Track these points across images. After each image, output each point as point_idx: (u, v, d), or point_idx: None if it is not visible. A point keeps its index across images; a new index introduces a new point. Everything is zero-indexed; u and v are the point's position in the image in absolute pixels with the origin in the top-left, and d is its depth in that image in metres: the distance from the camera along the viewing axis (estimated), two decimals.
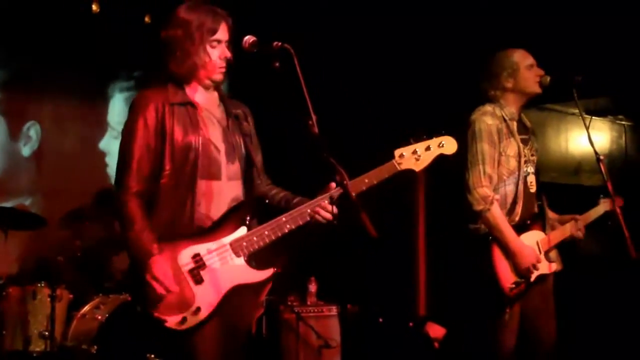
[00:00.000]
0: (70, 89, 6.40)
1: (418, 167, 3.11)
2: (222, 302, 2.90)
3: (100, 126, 6.72)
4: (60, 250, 5.43)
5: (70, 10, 6.04)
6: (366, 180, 3.00)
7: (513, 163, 3.81)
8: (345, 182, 2.73)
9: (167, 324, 2.82)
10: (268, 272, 2.98)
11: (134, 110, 3.00)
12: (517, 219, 3.79)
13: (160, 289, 2.81)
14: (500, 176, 3.80)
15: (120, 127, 6.46)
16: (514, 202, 3.80)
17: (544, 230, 3.86)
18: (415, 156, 3.10)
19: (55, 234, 5.68)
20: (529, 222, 3.81)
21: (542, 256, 3.79)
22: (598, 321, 5.51)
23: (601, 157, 3.71)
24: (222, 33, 3.04)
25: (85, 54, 6.28)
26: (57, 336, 5.04)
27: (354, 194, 2.81)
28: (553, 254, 3.91)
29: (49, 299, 5.05)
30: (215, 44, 3.03)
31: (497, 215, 3.69)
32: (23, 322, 5.09)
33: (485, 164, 3.74)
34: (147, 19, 6.37)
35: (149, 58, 6.23)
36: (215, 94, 3.16)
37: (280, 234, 2.96)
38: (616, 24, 5.37)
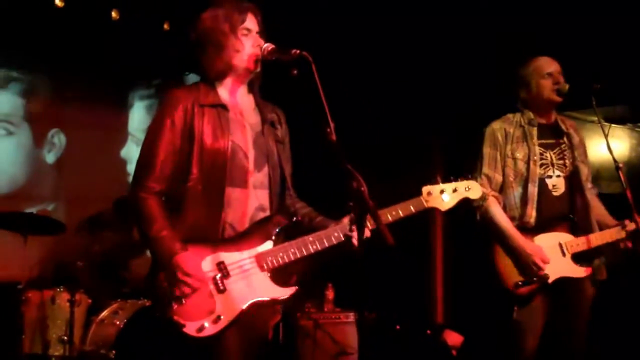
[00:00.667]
0: (91, 97, 6.47)
1: (444, 207, 3.16)
2: (242, 314, 2.86)
3: (121, 134, 6.80)
4: (79, 255, 5.47)
5: (90, 18, 6.10)
6: (393, 213, 3.03)
7: (521, 165, 3.87)
8: (362, 188, 2.72)
9: (185, 329, 2.78)
10: (290, 291, 2.95)
11: (162, 109, 2.97)
12: (531, 220, 3.80)
13: (193, 283, 2.77)
14: (506, 177, 3.89)
15: (140, 135, 6.67)
16: (524, 204, 3.82)
17: (573, 232, 3.83)
18: (442, 196, 3.14)
19: (75, 239, 5.72)
20: (548, 224, 3.80)
21: (567, 258, 3.76)
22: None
23: (620, 165, 3.70)
24: (251, 22, 3.04)
25: (106, 61, 6.35)
26: (75, 341, 5.07)
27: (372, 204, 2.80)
28: (596, 261, 3.87)
29: (68, 304, 5.08)
30: (245, 32, 3.01)
31: (494, 210, 3.79)
32: (42, 326, 5.15)
33: (483, 165, 3.90)
34: (166, 26, 6.40)
35: (169, 65, 6.41)
36: (251, 96, 3.14)
37: (305, 254, 2.96)
38: (635, 33, 5.36)
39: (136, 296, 5.32)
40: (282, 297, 2.94)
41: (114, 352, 4.89)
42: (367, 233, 2.86)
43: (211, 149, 2.91)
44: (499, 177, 3.89)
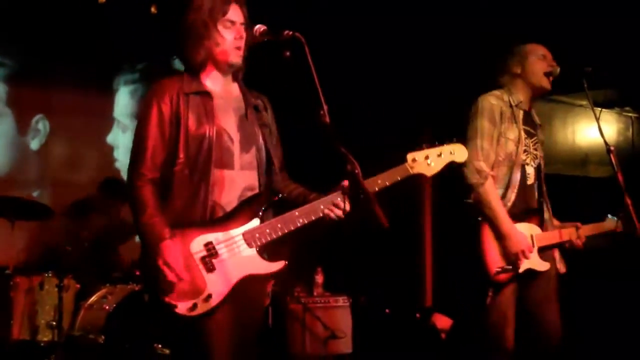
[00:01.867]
0: (77, 82, 6.41)
1: (429, 172, 3.12)
2: (233, 291, 2.90)
3: (107, 119, 6.74)
4: (67, 240, 5.44)
5: (76, 1, 6.03)
6: (379, 181, 3.01)
7: (511, 146, 3.80)
8: (356, 171, 2.72)
9: (178, 310, 2.82)
10: (279, 264, 2.98)
11: (149, 99, 3.01)
12: (509, 204, 3.77)
13: (171, 276, 2.81)
14: (496, 157, 3.79)
15: (125, 120, 6.63)
16: (507, 186, 3.79)
17: (541, 226, 3.85)
18: (427, 161, 3.11)
19: (62, 224, 5.69)
20: (524, 214, 3.79)
21: (535, 251, 3.76)
22: (602, 320, 5.51)
23: (611, 148, 3.69)
24: (235, 14, 3.03)
25: (91, 45, 6.29)
26: (64, 326, 5.05)
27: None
28: (552, 255, 3.89)
29: (56, 289, 5.07)
30: (228, 24, 3.02)
31: (491, 191, 3.70)
32: (30, 312, 5.13)
33: (483, 139, 3.76)
34: (153, 10, 6.34)
35: (155, 49, 6.35)
36: (235, 84, 3.16)
37: (292, 228, 2.97)
38: (624, 16, 5.37)
39: (125, 281, 5.30)
40: (272, 271, 2.97)
41: (103, 337, 4.87)
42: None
43: (196, 134, 2.96)
44: (492, 155, 3.77)
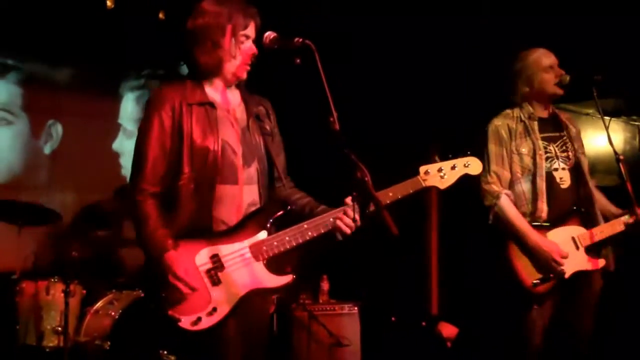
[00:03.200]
0: (84, 88, 6.45)
1: (443, 185, 3.10)
2: (238, 305, 2.85)
3: (113, 126, 6.75)
4: (74, 246, 5.43)
5: (85, 6, 6.03)
6: (390, 194, 2.97)
7: (527, 160, 3.84)
8: (366, 178, 2.70)
9: (181, 324, 2.78)
10: (287, 279, 2.93)
11: (150, 109, 2.95)
12: (543, 215, 3.79)
13: (185, 289, 2.78)
14: (514, 174, 3.85)
15: (130, 126, 6.63)
16: (534, 199, 3.80)
17: (584, 225, 3.82)
18: (441, 174, 3.08)
19: (70, 229, 5.69)
20: (559, 219, 3.79)
21: (581, 252, 3.76)
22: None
23: (621, 157, 3.69)
24: (252, 30, 3.01)
25: (100, 51, 6.30)
26: (70, 332, 5.02)
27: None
28: (604, 251, 3.87)
29: (62, 295, 5.04)
30: (244, 39, 2.99)
31: (507, 209, 3.74)
32: (36, 317, 5.11)
33: (491, 162, 3.85)
34: (161, 16, 6.34)
35: (162, 56, 6.36)
36: (237, 92, 3.12)
37: (301, 241, 2.93)
38: (632, 25, 5.36)
39: (131, 287, 5.29)
40: (278, 285, 2.92)
41: (108, 343, 4.86)
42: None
43: (201, 148, 2.90)
44: (507, 174, 3.85)
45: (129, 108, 6.82)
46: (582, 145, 4.04)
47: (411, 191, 3.03)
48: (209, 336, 2.81)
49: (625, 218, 3.83)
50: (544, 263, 3.68)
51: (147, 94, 6.70)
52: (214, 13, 2.96)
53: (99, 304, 5.16)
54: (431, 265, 6.94)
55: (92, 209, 5.71)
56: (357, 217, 2.91)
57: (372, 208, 2.78)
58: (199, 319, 2.79)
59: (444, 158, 3.13)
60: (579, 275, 3.75)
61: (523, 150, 3.85)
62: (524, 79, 3.93)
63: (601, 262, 3.79)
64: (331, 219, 2.94)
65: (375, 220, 2.63)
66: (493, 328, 4.14)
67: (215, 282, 2.85)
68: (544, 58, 3.92)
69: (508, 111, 3.95)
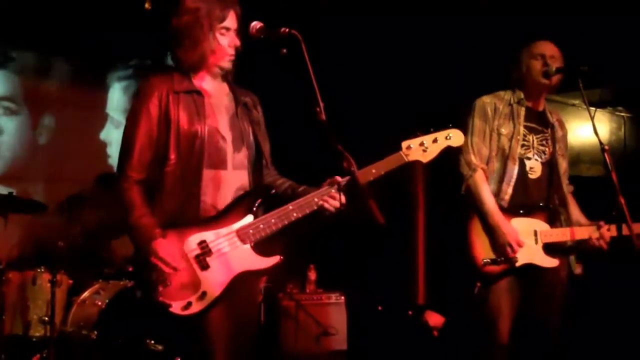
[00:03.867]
0: (70, 77, 6.42)
1: (425, 158, 3.12)
2: (228, 288, 2.89)
3: (101, 115, 6.73)
4: (60, 235, 5.41)
5: None
6: (373, 171, 3.00)
7: (504, 142, 3.89)
8: (352, 168, 2.72)
9: (172, 309, 2.82)
10: (274, 259, 2.97)
11: (137, 98, 3.00)
12: (506, 197, 3.83)
13: (167, 269, 2.81)
14: (490, 152, 3.90)
15: (118, 116, 6.61)
16: (501, 180, 3.86)
17: (550, 222, 3.86)
18: (423, 148, 3.10)
19: (56, 219, 5.67)
20: (526, 209, 3.82)
21: (538, 246, 3.79)
22: (598, 319, 5.52)
23: (606, 147, 3.70)
24: (231, 21, 3.04)
25: (86, 41, 6.26)
26: (56, 321, 5.01)
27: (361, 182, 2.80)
28: (565, 254, 3.90)
29: (49, 284, 5.02)
30: (224, 31, 3.03)
31: (479, 183, 3.81)
32: (23, 307, 5.09)
33: (473, 134, 3.91)
34: (147, 5, 6.31)
35: (148, 46, 6.34)
36: (224, 83, 3.16)
37: (287, 222, 2.96)
38: (616, 15, 5.39)
39: (117, 277, 5.29)
40: (267, 267, 2.96)
41: (95, 332, 4.84)
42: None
43: (187, 134, 2.94)
44: (486, 150, 3.90)
45: (117, 98, 6.80)
46: (565, 148, 4.08)
47: (394, 166, 3.06)
48: (199, 322, 2.85)
49: (595, 228, 3.85)
50: (500, 245, 3.71)
51: (135, 84, 6.71)
52: (192, 9, 3.00)
53: (86, 293, 5.14)
54: (417, 255, 6.97)
55: (77, 198, 5.68)
56: (342, 198, 2.93)
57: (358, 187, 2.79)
58: (189, 303, 2.83)
59: (425, 132, 3.14)
60: (537, 270, 3.77)
61: (503, 131, 3.90)
62: (515, 64, 4.01)
63: (555, 262, 3.80)
64: (315, 199, 2.97)
65: (362, 209, 2.65)
66: (466, 315, 4.16)
67: (204, 267, 2.89)
68: (538, 46, 3.97)
69: (500, 92, 4.02)
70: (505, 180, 3.85)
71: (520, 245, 3.72)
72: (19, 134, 6.32)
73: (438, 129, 3.16)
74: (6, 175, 6.15)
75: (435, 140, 3.13)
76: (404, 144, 3.10)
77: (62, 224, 5.62)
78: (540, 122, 4.00)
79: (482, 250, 3.74)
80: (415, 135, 3.12)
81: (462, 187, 3.88)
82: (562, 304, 3.87)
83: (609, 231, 3.83)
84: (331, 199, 2.96)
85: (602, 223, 3.86)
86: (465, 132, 3.81)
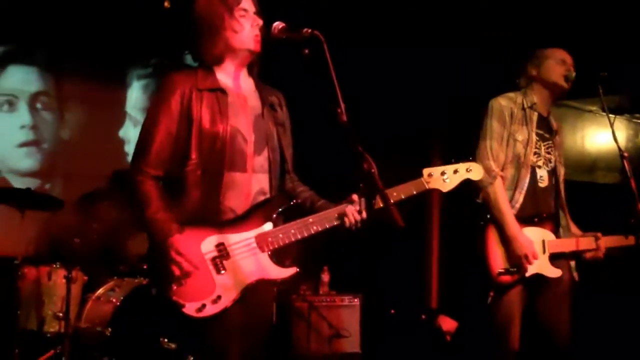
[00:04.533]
0: (92, 75, 6.45)
1: (445, 188, 3.13)
2: (243, 294, 2.85)
3: (120, 113, 6.77)
4: (76, 232, 5.44)
5: None
6: (394, 194, 2.98)
7: (519, 148, 3.84)
8: (373, 170, 2.71)
9: (185, 310, 2.77)
10: (291, 271, 2.93)
11: (159, 94, 2.95)
12: (517, 206, 3.81)
13: (186, 265, 2.77)
14: (505, 158, 3.84)
15: (136, 114, 6.63)
16: (515, 188, 3.83)
17: (556, 233, 3.86)
18: (443, 178, 3.11)
19: (72, 216, 5.70)
20: (536, 219, 3.81)
21: (545, 256, 3.77)
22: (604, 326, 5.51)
23: (625, 154, 3.68)
24: (247, 3, 3.01)
25: (106, 39, 6.30)
26: (71, 317, 5.04)
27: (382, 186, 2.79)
28: (567, 263, 3.89)
29: (64, 281, 5.05)
30: (243, 12, 2.98)
31: (499, 192, 3.75)
32: (38, 302, 5.12)
33: (492, 139, 3.83)
34: (166, 4, 6.33)
35: (168, 44, 6.37)
36: (250, 80, 3.11)
37: (306, 235, 2.93)
38: (635, 23, 5.37)
39: (133, 274, 5.30)
40: (283, 277, 2.93)
41: (109, 329, 4.86)
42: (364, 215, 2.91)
43: (210, 134, 2.89)
44: (502, 156, 3.83)
45: (135, 96, 6.83)
46: (562, 155, 4.06)
47: (415, 192, 3.06)
48: (212, 324, 2.80)
49: (593, 239, 3.87)
50: (516, 256, 3.69)
51: (154, 83, 6.74)
52: (206, 2, 2.99)
53: (100, 290, 5.17)
54: (431, 259, 6.97)
55: (94, 195, 5.70)
56: (363, 212, 2.93)
57: (379, 202, 2.79)
58: (204, 305, 2.79)
59: (446, 162, 3.17)
60: (543, 279, 3.76)
61: (519, 137, 3.85)
62: (535, 62, 3.95)
63: (558, 272, 3.79)
64: (336, 215, 2.94)
65: (382, 212, 2.65)
66: (478, 322, 4.16)
67: (220, 270, 2.84)
68: (559, 52, 3.95)
69: (512, 94, 3.94)
70: (518, 188, 3.82)
71: (535, 258, 3.71)
72: (49, 129, 6.39)
73: (459, 160, 3.18)
74: (27, 171, 6.20)
75: (455, 172, 3.14)
76: (425, 171, 3.10)
77: (78, 220, 5.65)
78: (546, 129, 3.97)
79: (499, 259, 3.73)
80: (437, 164, 3.14)
81: (478, 194, 3.81)
82: (570, 309, 3.86)
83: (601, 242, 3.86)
84: (352, 215, 2.93)
85: (599, 234, 3.88)
86: (482, 135, 3.85)
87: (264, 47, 3.04)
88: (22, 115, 6.31)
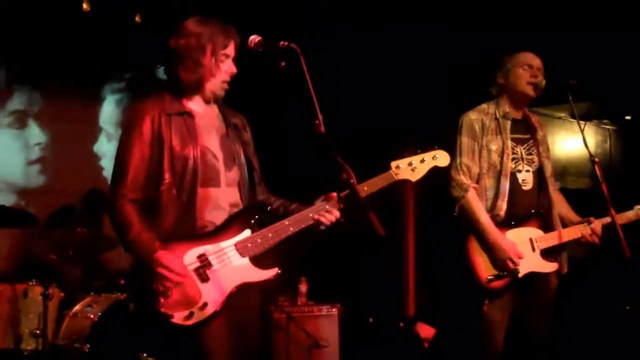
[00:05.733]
0: (66, 90, 6.41)
1: (414, 177, 3.22)
2: (228, 300, 2.93)
3: (93, 128, 6.73)
4: (51, 248, 5.40)
5: (61, 9, 6.01)
6: (365, 188, 3.06)
7: (494, 157, 3.91)
8: (352, 180, 2.76)
9: (174, 320, 2.84)
10: (273, 271, 3.03)
11: (129, 122, 3.05)
12: (501, 214, 3.86)
13: (173, 277, 2.83)
14: (480, 169, 3.91)
15: (110, 128, 6.62)
16: (496, 196, 3.88)
17: (543, 228, 3.91)
18: (411, 167, 3.20)
19: (47, 232, 5.66)
20: (514, 221, 3.86)
21: (536, 254, 3.84)
22: (588, 323, 5.59)
23: (596, 160, 3.76)
24: (231, 49, 3.11)
25: (77, 54, 6.27)
26: (48, 335, 5.00)
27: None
28: (561, 255, 3.95)
29: (40, 297, 5.01)
30: (224, 58, 3.09)
31: (473, 202, 3.83)
32: (14, 320, 5.06)
33: (462, 155, 3.92)
34: (137, 19, 6.32)
35: (140, 58, 6.35)
36: (214, 105, 3.21)
37: (284, 236, 3.02)
38: (602, 31, 5.47)
39: (109, 289, 5.29)
40: (265, 279, 3.02)
41: (88, 345, 4.83)
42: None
43: (181, 154, 3.00)
44: (476, 169, 3.92)
45: (109, 110, 6.80)
46: (548, 150, 4.12)
47: (385, 185, 3.13)
48: (198, 335, 2.87)
49: (585, 225, 3.92)
50: (501, 261, 3.76)
51: (127, 97, 6.73)
52: (196, 34, 3.06)
53: (78, 307, 5.14)
54: (408, 267, 7.01)
55: (68, 212, 5.68)
56: (336, 213, 3.03)
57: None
58: (191, 313, 2.86)
59: (413, 153, 3.24)
60: (534, 276, 3.83)
61: (492, 147, 3.91)
62: (502, 71, 4.01)
63: (554, 266, 3.88)
64: (310, 214, 3.04)
65: (362, 221, 2.69)
66: (461, 326, 4.21)
67: (205, 279, 2.92)
68: (526, 57, 3.99)
69: (484, 106, 4.02)
70: (500, 196, 3.88)
71: (520, 257, 3.77)
72: (15, 146, 6.33)
73: (425, 149, 3.26)
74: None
75: (422, 161, 3.22)
76: (393, 164, 3.18)
77: (53, 237, 5.61)
78: (525, 130, 4.02)
79: (484, 267, 3.79)
80: (403, 156, 3.21)
81: (455, 208, 3.90)
82: (552, 312, 3.92)
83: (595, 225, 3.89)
84: (328, 213, 3.03)
85: (592, 219, 3.92)
86: (453, 152, 3.90)
87: (242, 59, 3.13)
88: None
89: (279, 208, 3.20)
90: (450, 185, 3.90)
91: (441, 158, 3.27)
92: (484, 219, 3.81)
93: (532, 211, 3.92)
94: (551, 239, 3.90)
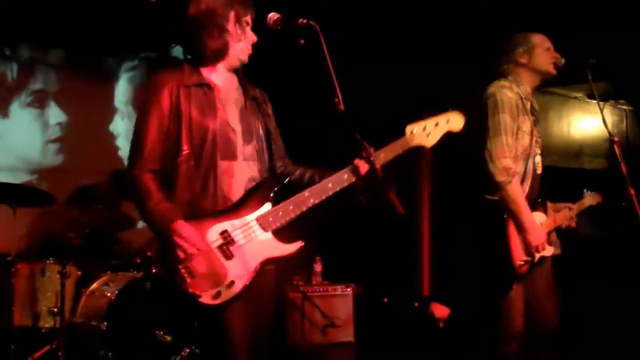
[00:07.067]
0: (80, 70, 6.44)
1: (429, 143, 3.15)
2: (255, 276, 2.90)
3: (109, 107, 6.75)
4: (69, 227, 5.43)
5: None
6: (382, 155, 3.01)
7: (527, 140, 3.80)
8: (372, 158, 2.75)
9: (202, 300, 2.81)
10: (297, 245, 2.98)
11: (148, 94, 3.02)
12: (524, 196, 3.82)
13: (190, 248, 2.81)
14: (516, 151, 3.77)
15: (125, 108, 6.63)
16: (523, 179, 3.81)
17: (545, 213, 3.91)
18: (426, 132, 3.14)
19: (65, 211, 5.69)
20: (533, 202, 3.83)
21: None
22: (598, 307, 5.58)
23: (615, 139, 3.71)
24: (250, 18, 3.10)
25: (93, 33, 6.28)
26: (66, 312, 5.04)
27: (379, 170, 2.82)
28: (553, 238, 3.95)
29: (58, 276, 5.05)
30: (246, 24, 3.08)
31: (517, 188, 3.70)
32: (32, 298, 5.11)
33: (507, 134, 3.71)
34: None
35: (155, 37, 6.35)
36: (234, 76, 3.18)
37: (304, 209, 2.97)
38: (618, 9, 5.42)
39: (126, 268, 5.32)
40: (290, 252, 2.98)
41: (105, 323, 4.87)
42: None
43: (199, 126, 2.96)
44: (514, 151, 3.75)
45: (123, 89, 6.81)
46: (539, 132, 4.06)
47: (400, 151, 3.08)
48: (225, 311, 2.85)
49: (566, 212, 3.98)
50: (531, 246, 3.72)
51: (140, 75, 6.73)
52: (217, 1, 3.04)
53: (95, 285, 5.18)
54: (423, 247, 7.01)
55: (87, 191, 5.70)
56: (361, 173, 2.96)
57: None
58: (219, 292, 2.84)
59: (427, 115, 3.17)
60: (538, 261, 3.81)
61: (525, 128, 3.80)
62: (524, 49, 3.89)
63: (551, 250, 3.86)
64: (330, 184, 2.98)
65: (382, 199, 2.68)
66: (481, 308, 4.20)
67: (229, 256, 2.89)
68: (543, 39, 3.93)
69: (505, 83, 3.84)
70: (526, 178, 3.82)
71: (545, 246, 3.77)
72: (33, 125, 6.36)
73: (439, 112, 3.19)
74: (16, 166, 6.17)
75: (437, 124, 3.16)
76: (408, 129, 3.11)
77: (71, 215, 5.64)
78: (533, 112, 3.94)
79: (519, 252, 3.74)
80: (418, 119, 3.14)
81: (493, 191, 3.72)
82: (555, 287, 3.92)
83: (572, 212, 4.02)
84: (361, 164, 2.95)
85: (570, 205, 4.01)
86: (496, 131, 3.72)
87: (261, 37, 3.12)
88: None
89: (303, 175, 3.16)
90: (494, 167, 3.67)
91: (453, 121, 3.19)
92: (525, 205, 3.71)
93: (540, 196, 3.90)
94: (552, 224, 3.91)
